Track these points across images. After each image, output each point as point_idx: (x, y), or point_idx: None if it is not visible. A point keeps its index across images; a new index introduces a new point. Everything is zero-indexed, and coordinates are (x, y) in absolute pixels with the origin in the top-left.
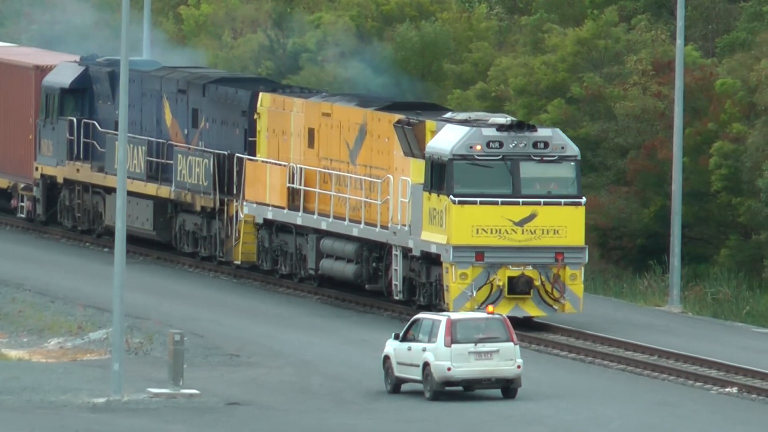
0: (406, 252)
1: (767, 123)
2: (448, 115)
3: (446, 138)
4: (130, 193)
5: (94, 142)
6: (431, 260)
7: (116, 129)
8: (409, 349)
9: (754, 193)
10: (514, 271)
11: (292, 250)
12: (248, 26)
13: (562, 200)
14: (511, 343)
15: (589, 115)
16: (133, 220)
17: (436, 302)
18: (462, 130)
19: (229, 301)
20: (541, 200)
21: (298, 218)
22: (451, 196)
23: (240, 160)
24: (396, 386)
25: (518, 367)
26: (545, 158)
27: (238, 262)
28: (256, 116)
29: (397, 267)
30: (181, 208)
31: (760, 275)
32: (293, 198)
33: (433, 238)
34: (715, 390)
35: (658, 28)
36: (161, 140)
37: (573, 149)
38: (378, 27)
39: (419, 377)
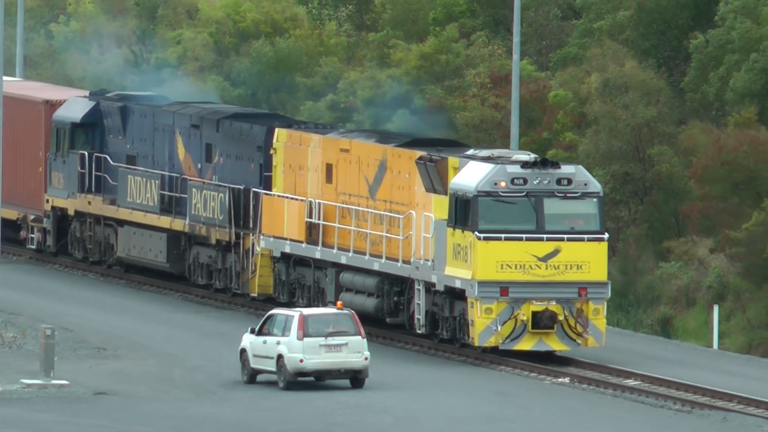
0: (428, 286)
1: (597, 132)
2: (471, 151)
3: (471, 175)
4: (143, 226)
5: (106, 176)
6: (455, 295)
7: (128, 163)
8: (265, 342)
9: None
10: (538, 306)
11: (310, 284)
12: (114, 42)
13: (585, 236)
14: (359, 337)
15: (432, 125)
16: (147, 252)
17: (459, 336)
18: (486, 167)
19: (97, 298)
20: (565, 236)
21: (317, 252)
22: (476, 232)
23: (256, 194)
24: (252, 377)
25: (366, 359)
26: (568, 195)
27: (255, 294)
28: (272, 151)
29: (420, 301)
30: (195, 241)
31: None
32: (311, 232)
33: (457, 273)
34: (549, 380)
35: (495, 43)
36: (174, 174)
37: (595, 186)
38: (235, 43)
39: (274, 369)
